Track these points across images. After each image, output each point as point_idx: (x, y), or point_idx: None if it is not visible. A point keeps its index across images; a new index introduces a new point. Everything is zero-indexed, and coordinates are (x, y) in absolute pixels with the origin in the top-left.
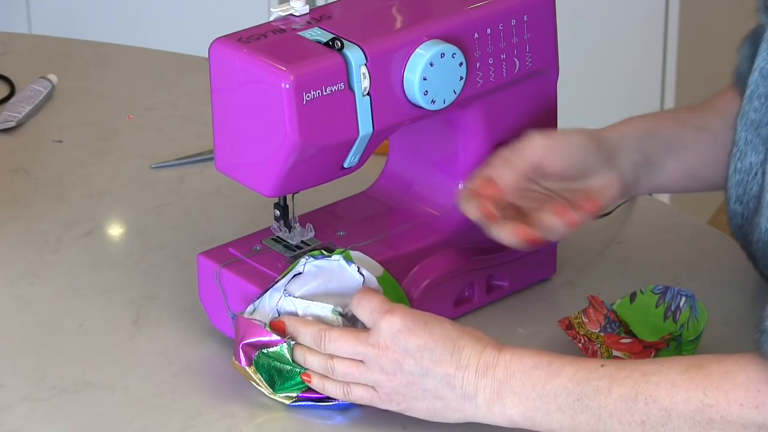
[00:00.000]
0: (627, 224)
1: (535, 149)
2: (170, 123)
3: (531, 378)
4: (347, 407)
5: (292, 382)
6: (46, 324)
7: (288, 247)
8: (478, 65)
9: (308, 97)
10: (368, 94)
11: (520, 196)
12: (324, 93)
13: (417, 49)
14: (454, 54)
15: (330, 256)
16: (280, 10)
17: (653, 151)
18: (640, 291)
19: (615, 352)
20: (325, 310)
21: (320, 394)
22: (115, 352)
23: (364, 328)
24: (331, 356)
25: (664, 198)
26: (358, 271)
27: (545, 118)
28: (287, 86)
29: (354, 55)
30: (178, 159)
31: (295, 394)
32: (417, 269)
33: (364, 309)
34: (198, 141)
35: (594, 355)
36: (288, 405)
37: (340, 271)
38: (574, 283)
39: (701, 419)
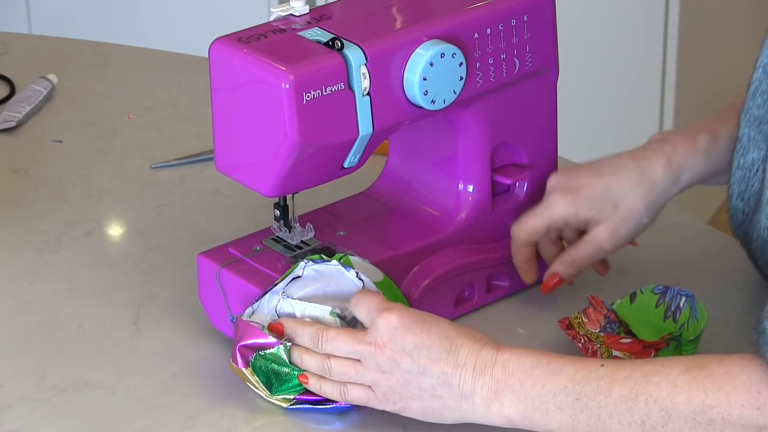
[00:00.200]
0: None
1: (561, 212)
2: (170, 123)
3: (530, 377)
4: (345, 410)
5: (290, 385)
6: (46, 324)
7: (288, 247)
8: (478, 65)
9: (308, 97)
10: (368, 94)
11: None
12: (324, 93)
13: (417, 49)
14: (454, 54)
15: (329, 261)
16: (280, 10)
17: (704, 181)
18: (640, 291)
19: (615, 352)
20: (323, 311)
21: (318, 396)
22: (115, 352)
23: (363, 329)
24: (328, 356)
25: None
26: (357, 276)
27: (545, 118)
28: (287, 86)
29: (354, 55)
30: (178, 159)
31: (292, 397)
32: (417, 269)
33: (362, 308)
34: (198, 141)
35: (594, 355)
36: (285, 408)
37: (339, 276)
38: (574, 283)
39: (702, 420)
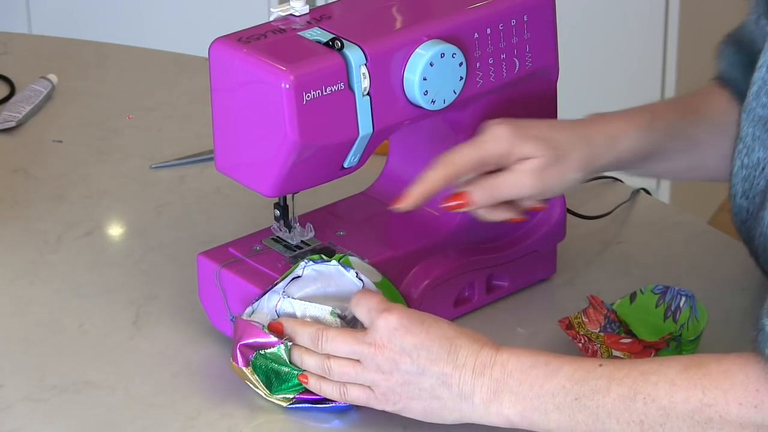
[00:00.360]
0: (627, 224)
1: (501, 142)
2: (170, 123)
3: (529, 377)
4: (344, 409)
5: (289, 384)
6: (46, 324)
7: (288, 247)
8: (478, 65)
9: (308, 97)
10: (368, 94)
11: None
12: (324, 93)
13: (417, 49)
14: (454, 54)
15: (329, 261)
16: (280, 10)
17: (641, 163)
18: (640, 291)
19: (615, 352)
20: (323, 311)
21: (317, 396)
22: (115, 352)
23: (363, 329)
24: (328, 356)
25: (664, 198)
26: (357, 276)
27: (545, 118)
28: (287, 86)
29: (354, 55)
30: (178, 159)
31: (292, 396)
32: (417, 269)
33: (362, 308)
34: (198, 141)
35: (594, 355)
36: (285, 407)
37: (339, 276)
38: (574, 283)
39: (700, 419)
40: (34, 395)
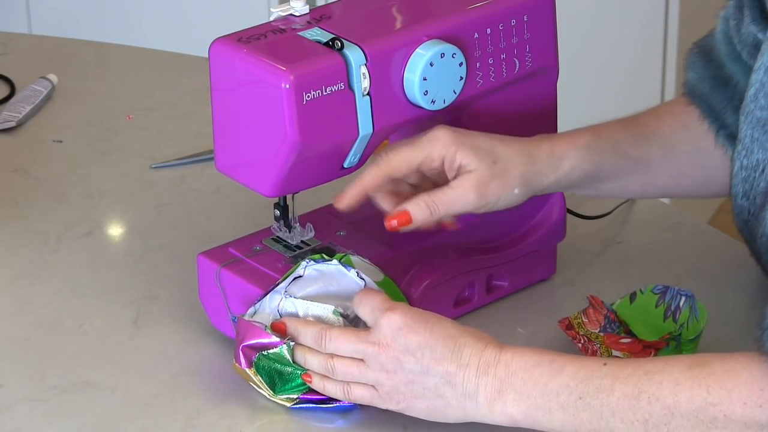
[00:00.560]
0: (627, 224)
1: (438, 145)
2: (170, 123)
3: (533, 376)
4: (348, 409)
5: (293, 384)
6: (46, 324)
7: (288, 247)
8: (478, 65)
9: (308, 97)
10: (368, 94)
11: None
12: (324, 93)
13: (417, 49)
14: (454, 54)
15: (330, 260)
16: (280, 10)
17: (587, 183)
18: (640, 291)
19: (615, 352)
20: (325, 310)
21: (321, 395)
22: (115, 352)
23: (366, 328)
24: (332, 356)
25: (664, 198)
26: (358, 275)
27: (545, 118)
28: (287, 86)
29: (354, 55)
30: (178, 159)
31: (295, 396)
32: (417, 269)
33: (366, 307)
34: (198, 141)
35: (594, 355)
36: (289, 407)
37: (341, 276)
38: (574, 283)
39: (704, 418)
40: (34, 395)
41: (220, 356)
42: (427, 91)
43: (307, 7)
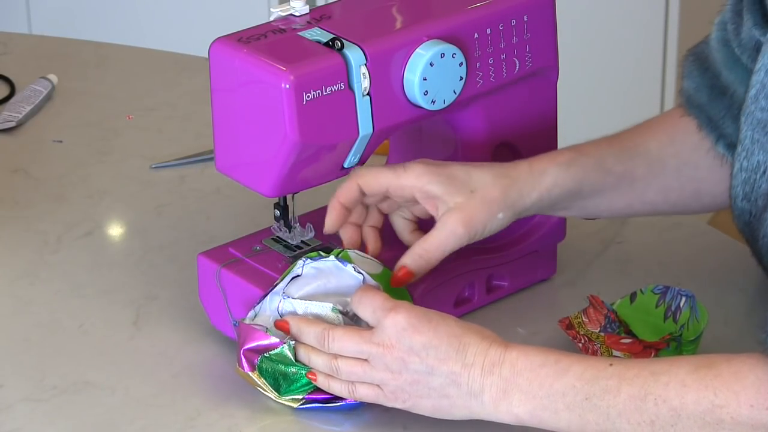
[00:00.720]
0: (627, 224)
1: (411, 176)
2: (170, 123)
3: (538, 376)
4: (354, 407)
5: (298, 384)
6: (46, 324)
7: (288, 247)
8: (478, 65)
9: (308, 97)
10: (368, 94)
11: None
12: (324, 93)
13: (417, 49)
14: (454, 54)
15: (327, 257)
16: (280, 10)
17: (571, 201)
18: (640, 291)
19: (615, 352)
20: (324, 308)
21: (327, 395)
22: (115, 352)
23: (367, 326)
24: (336, 356)
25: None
26: (356, 270)
27: (545, 118)
28: (287, 86)
29: (354, 55)
30: (178, 159)
31: (301, 397)
32: None
33: (366, 307)
34: (198, 141)
35: (594, 355)
36: (295, 408)
37: (338, 271)
38: (574, 283)
39: (711, 420)
40: (34, 395)
41: (220, 356)
42: (427, 91)
43: (307, 7)
